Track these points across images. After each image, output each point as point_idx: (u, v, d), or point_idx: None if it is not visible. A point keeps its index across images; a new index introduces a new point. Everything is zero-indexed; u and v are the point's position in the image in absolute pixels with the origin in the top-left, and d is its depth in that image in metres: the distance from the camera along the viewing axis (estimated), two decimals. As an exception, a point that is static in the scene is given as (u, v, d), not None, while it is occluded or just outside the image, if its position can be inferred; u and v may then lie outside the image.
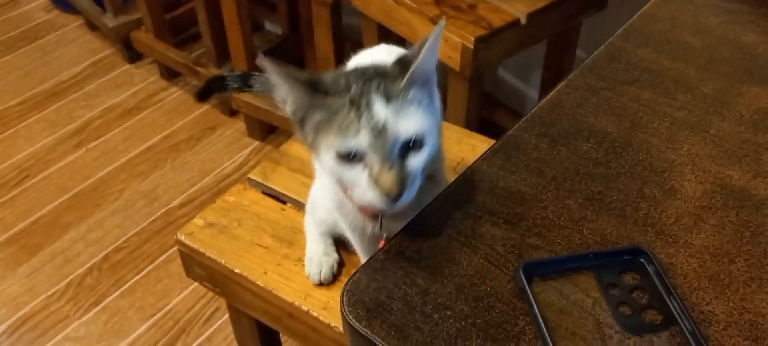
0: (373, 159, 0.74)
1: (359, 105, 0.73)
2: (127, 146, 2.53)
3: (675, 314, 0.66)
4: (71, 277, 2.09)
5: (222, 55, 2.48)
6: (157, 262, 2.13)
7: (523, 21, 1.69)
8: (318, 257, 1.21)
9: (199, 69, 2.54)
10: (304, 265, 1.21)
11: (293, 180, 1.40)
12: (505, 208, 0.79)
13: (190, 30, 2.85)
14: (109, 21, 2.80)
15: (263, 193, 1.40)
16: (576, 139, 0.87)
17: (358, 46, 2.18)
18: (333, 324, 1.10)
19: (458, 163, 1.34)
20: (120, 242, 2.19)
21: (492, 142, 1.49)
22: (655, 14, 1.08)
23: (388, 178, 0.74)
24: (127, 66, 2.90)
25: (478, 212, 0.78)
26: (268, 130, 2.52)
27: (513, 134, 0.89)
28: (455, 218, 0.78)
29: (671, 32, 1.05)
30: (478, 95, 1.80)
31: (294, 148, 1.47)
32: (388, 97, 0.74)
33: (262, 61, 0.74)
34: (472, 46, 1.62)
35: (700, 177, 0.81)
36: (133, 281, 2.09)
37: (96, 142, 2.55)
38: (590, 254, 0.72)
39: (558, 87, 0.95)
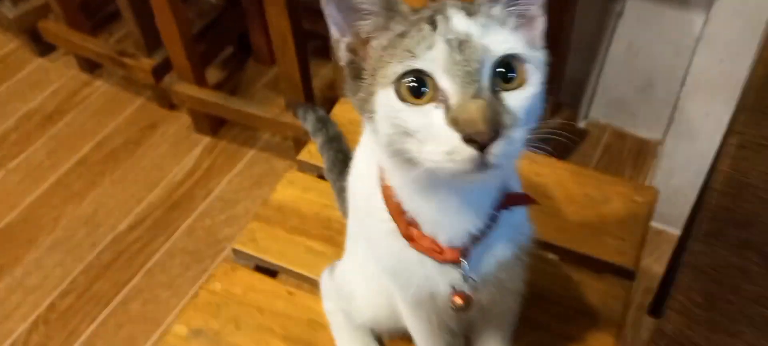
0: (452, 85, 0.51)
1: (435, 21, 0.54)
2: (55, 162, 2.05)
3: None
4: (14, 337, 1.67)
5: (152, 40, 2.01)
6: (113, 304, 1.72)
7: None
8: None
9: (126, 60, 2.07)
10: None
11: (294, 245, 1.03)
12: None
13: (108, 8, 2.36)
14: (9, 11, 2.27)
15: (256, 268, 1.02)
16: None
17: (318, 21, 1.76)
18: None
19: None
20: (65, 284, 1.76)
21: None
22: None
23: (474, 107, 0.50)
24: (39, 60, 2.38)
25: None
26: (219, 123, 2.09)
27: (696, 252, 0.54)
28: None
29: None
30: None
31: (287, 195, 1.09)
32: (470, 13, 0.54)
33: None
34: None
35: None
36: (88, 331, 1.68)
37: (17, 161, 2.07)
38: None
39: (726, 149, 0.60)
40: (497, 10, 0.56)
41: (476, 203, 0.61)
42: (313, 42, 1.80)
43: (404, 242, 0.64)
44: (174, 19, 1.81)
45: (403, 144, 0.54)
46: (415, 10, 0.57)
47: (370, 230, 0.69)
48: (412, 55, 0.53)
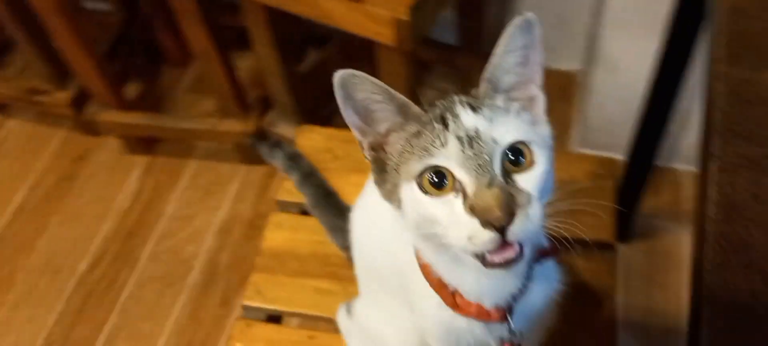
0: (467, 177, 0.56)
1: (445, 119, 0.59)
2: (-8, 214, 1.98)
3: None
4: (3, 407, 1.66)
5: (60, 69, 1.92)
6: (96, 348, 1.72)
7: (447, -35, 1.36)
8: None
9: (39, 98, 1.98)
10: None
11: (300, 289, 1.07)
12: None
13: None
14: None
15: (268, 319, 1.06)
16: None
17: (242, 36, 1.71)
18: None
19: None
20: (41, 339, 1.74)
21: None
22: (745, 9, 0.81)
23: (489, 196, 0.55)
24: (-62, 109, 2.25)
25: None
26: (151, 140, 2.04)
27: (711, 285, 0.62)
28: None
29: (779, 30, 0.79)
30: (413, 68, 1.47)
31: (278, 240, 1.12)
32: (474, 108, 0.59)
33: (348, 75, 0.58)
34: (408, 17, 1.28)
35: None
36: (80, 383, 1.68)
37: (-50, 224, 1.98)
38: None
39: (711, 177, 0.69)
40: (500, 100, 0.62)
41: (515, 267, 0.67)
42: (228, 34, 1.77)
43: (451, 311, 0.70)
44: (80, 47, 1.73)
45: (429, 229, 0.59)
46: (426, 110, 0.62)
47: (413, 304, 0.75)
48: (429, 153, 0.58)
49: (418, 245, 0.68)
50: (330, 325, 1.03)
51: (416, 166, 0.59)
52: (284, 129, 1.80)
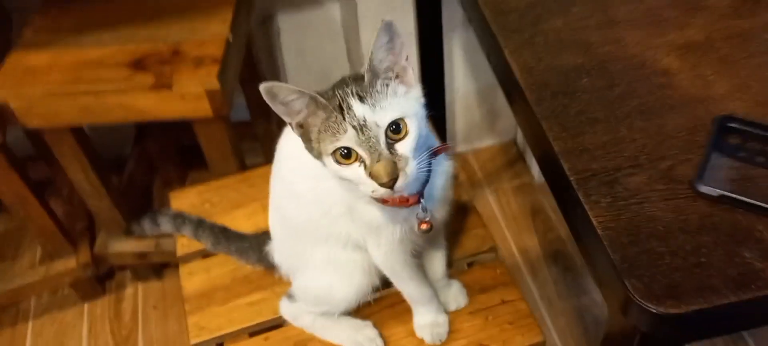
0: (364, 153, 0.81)
1: (343, 108, 0.81)
2: None
3: None
4: None
5: None
6: None
7: (231, 38, 1.64)
8: (366, 333, 1.16)
9: None
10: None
11: (236, 309, 1.24)
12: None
13: None
14: None
15: (218, 346, 1.21)
16: (576, 79, 1.00)
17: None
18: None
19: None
20: None
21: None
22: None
23: (379, 168, 0.81)
24: None
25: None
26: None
27: (542, 112, 0.96)
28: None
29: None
30: (233, 132, 1.70)
31: (197, 284, 1.28)
32: (362, 97, 0.82)
33: (270, 85, 0.79)
34: (218, 86, 1.51)
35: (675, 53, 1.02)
36: None
37: None
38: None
39: (509, 57, 1.05)
40: (378, 84, 0.85)
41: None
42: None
43: (385, 207, 0.95)
44: None
45: (348, 184, 0.86)
46: (328, 98, 0.83)
47: (357, 208, 0.99)
48: (336, 137, 0.82)
49: None
50: (272, 324, 1.21)
51: (330, 146, 0.83)
52: (118, 245, 1.89)
